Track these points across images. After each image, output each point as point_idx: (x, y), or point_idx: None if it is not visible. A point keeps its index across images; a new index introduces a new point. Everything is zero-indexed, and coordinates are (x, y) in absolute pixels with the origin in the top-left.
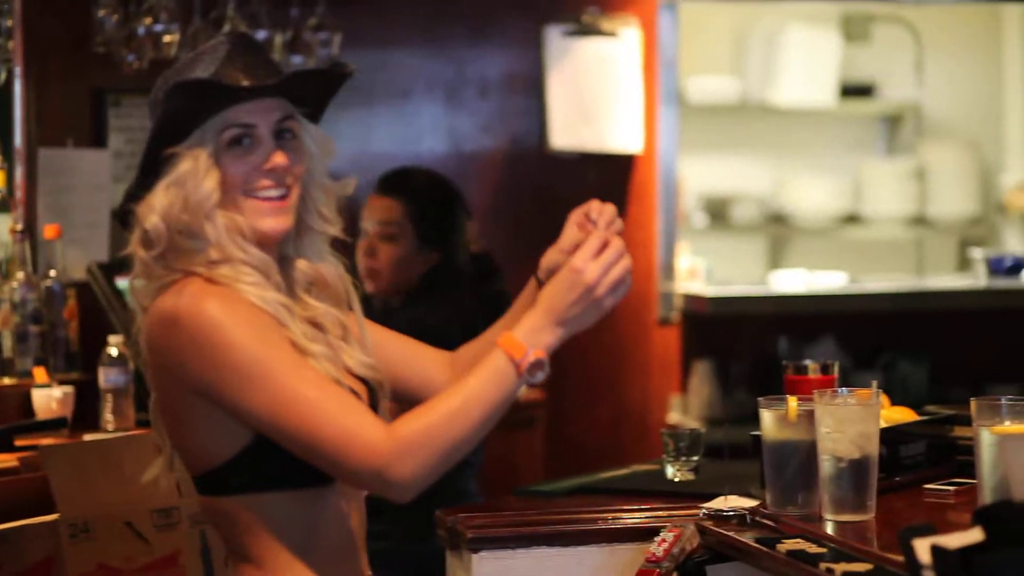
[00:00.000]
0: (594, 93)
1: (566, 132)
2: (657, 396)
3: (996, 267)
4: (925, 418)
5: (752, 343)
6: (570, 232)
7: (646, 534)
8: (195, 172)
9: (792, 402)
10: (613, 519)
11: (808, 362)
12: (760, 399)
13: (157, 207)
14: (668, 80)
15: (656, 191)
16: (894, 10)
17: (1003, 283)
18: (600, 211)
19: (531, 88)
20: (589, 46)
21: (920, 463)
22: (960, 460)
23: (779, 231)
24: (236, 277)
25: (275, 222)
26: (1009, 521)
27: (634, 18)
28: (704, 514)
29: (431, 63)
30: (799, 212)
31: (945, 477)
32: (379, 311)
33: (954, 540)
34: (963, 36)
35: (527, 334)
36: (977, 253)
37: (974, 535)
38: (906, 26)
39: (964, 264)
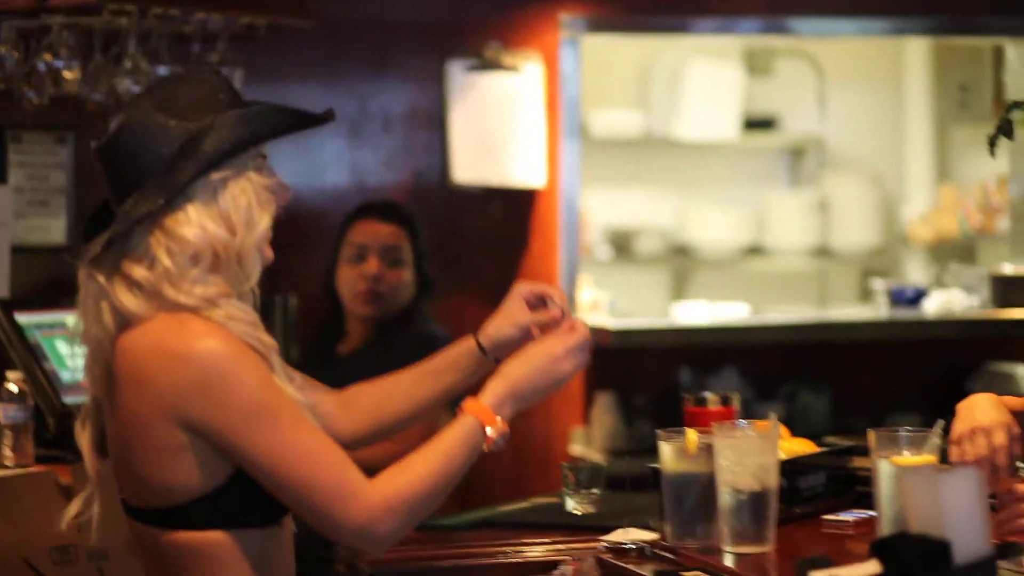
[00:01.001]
0: (496, 128)
1: (469, 166)
2: (559, 428)
3: (897, 298)
4: (824, 449)
5: (655, 375)
6: (517, 306)
7: (546, 567)
8: (254, 202)
9: (691, 435)
10: (514, 552)
11: (708, 394)
12: (659, 431)
13: (210, 228)
14: (570, 114)
15: (558, 225)
16: (796, 44)
17: (904, 314)
18: (562, 299)
19: (434, 123)
20: (491, 81)
21: (820, 494)
22: (860, 491)
23: (683, 263)
24: (234, 316)
25: (269, 256)
26: (905, 553)
27: (536, 53)
28: (604, 547)
29: (333, 98)
30: (703, 244)
31: (845, 508)
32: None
33: (850, 572)
34: (865, 69)
35: (496, 405)
36: (879, 284)
37: (871, 567)
38: (808, 60)
39: (866, 295)
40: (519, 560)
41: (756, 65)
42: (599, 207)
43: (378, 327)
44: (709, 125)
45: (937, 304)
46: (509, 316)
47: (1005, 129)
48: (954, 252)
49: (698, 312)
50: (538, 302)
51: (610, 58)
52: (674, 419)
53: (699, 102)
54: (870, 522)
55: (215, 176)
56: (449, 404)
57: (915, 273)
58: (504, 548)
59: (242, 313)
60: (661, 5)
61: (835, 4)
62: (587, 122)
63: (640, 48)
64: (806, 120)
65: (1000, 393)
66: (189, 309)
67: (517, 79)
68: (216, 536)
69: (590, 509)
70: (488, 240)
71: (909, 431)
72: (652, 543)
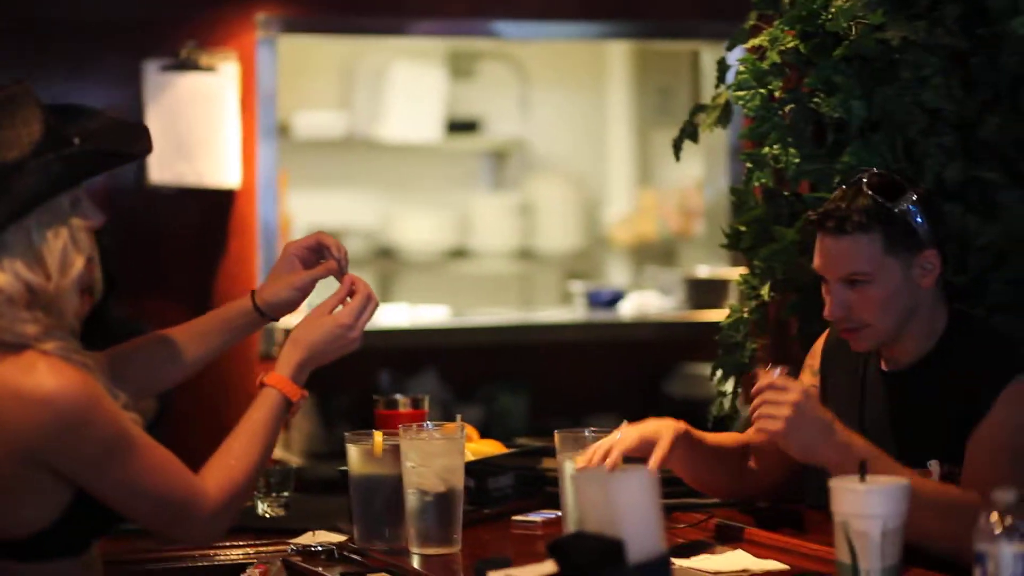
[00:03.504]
0: (192, 128)
1: (164, 167)
2: None
3: (595, 300)
4: (513, 450)
5: (355, 377)
6: (290, 266)
7: (236, 571)
8: (69, 245)
9: (378, 437)
10: (201, 556)
11: (399, 396)
12: (347, 434)
13: (23, 274)
14: (267, 115)
15: (256, 226)
16: (499, 47)
17: (602, 316)
18: (338, 248)
19: None
20: (187, 81)
21: (509, 495)
22: (549, 492)
23: (387, 265)
24: (66, 348)
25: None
26: (578, 553)
27: (233, 53)
28: (292, 550)
29: None
30: (407, 246)
31: (534, 509)
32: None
33: (527, 572)
34: (568, 73)
35: (295, 375)
36: (577, 287)
37: (547, 567)
38: (512, 63)
39: (568, 297)
40: (207, 564)
41: (460, 68)
42: (303, 208)
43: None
44: (412, 127)
45: (633, 306)
46: (283, 279)
47: (689, 132)
48: (654, 255)
49: (399, 314)
50: (312, 256)
51: (313, 58)
52: (372, 422)
53: (402, 104)
54: (558, 522)
55: (28, 221)
56: None
57: (616, 275)
58: (193, 552)
59: (71, 343)
60: (362, 6)
61: (538, 8)
62: (290, 123)
63: (344, 49)
64: (509, 123)
65: (694, 394)
66: (15, 346)
67: (213, 79)
68: (64, 565)
69: (280, 512)
70: (186, 241)
71: (594, 432)
72: (340, 545)
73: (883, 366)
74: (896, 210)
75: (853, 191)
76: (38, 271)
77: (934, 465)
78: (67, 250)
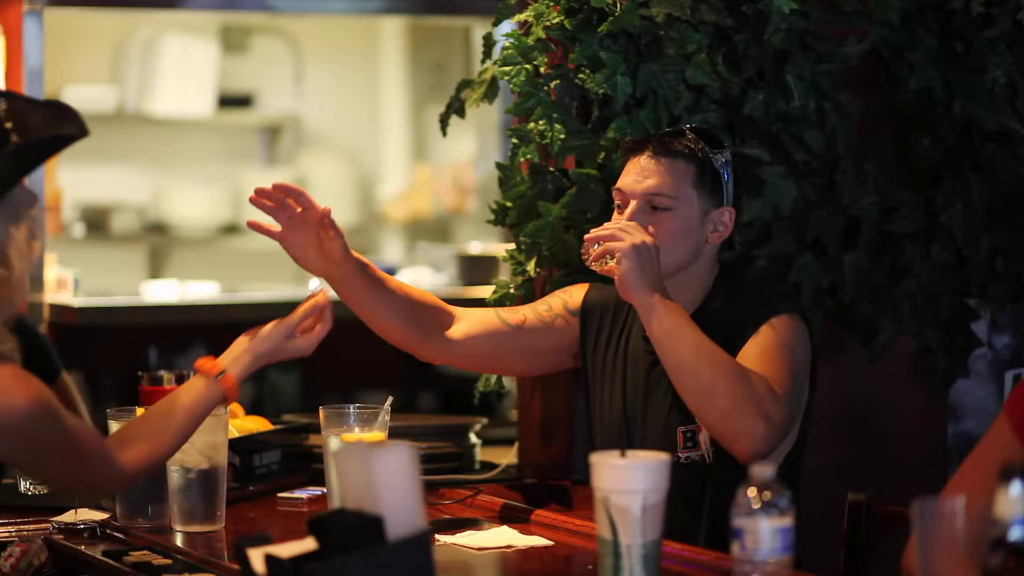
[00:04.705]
0: None
1: None
2: None
3: None
4: (279, 427)
5: (123, 354)
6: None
7: None
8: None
9: (139, 412)
10: None
11: (163, 373)
12: (109, 410)
13: None
14: (35, 89)
15: None
16: (272, 21)
17: None
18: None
19: None
20: None
21: (275, 472)
22: (316, 468)
23: (159, 241)
24: (14, 347)
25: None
26: (337, 529)
27: None
28: (54, 528)
29: None
30: (178, 222)
31: (301, 486)
32: None
33: (287, 550)
34: (341, 48)
35: (242, 374)
36: None
37: (308, 544)
38: (285, 37)
39: None
40: None
41: (231, 41)
42: (73, 183)
43: None
44: (183, 102)
45: (405, 281)
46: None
47: (456, 108)
48: (428, 231)
49: (167, 291)
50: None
51: (82, 32)
52: (139, 399)
53: (173, 78)
54: (324, 499)
55: None
56: None
57: (391, 252)
58: None
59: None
60: None
61: None
62: (59, 97)
63: (114, 22)
64: (282, 98)
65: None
66: None
67: None
68: None
69: (42, 489)
70: None
71: (359, 408)
72: (103, 523)
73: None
74: (712, 158)
75: (675, 131)
76: (4, 265)
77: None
78: (27, 239)
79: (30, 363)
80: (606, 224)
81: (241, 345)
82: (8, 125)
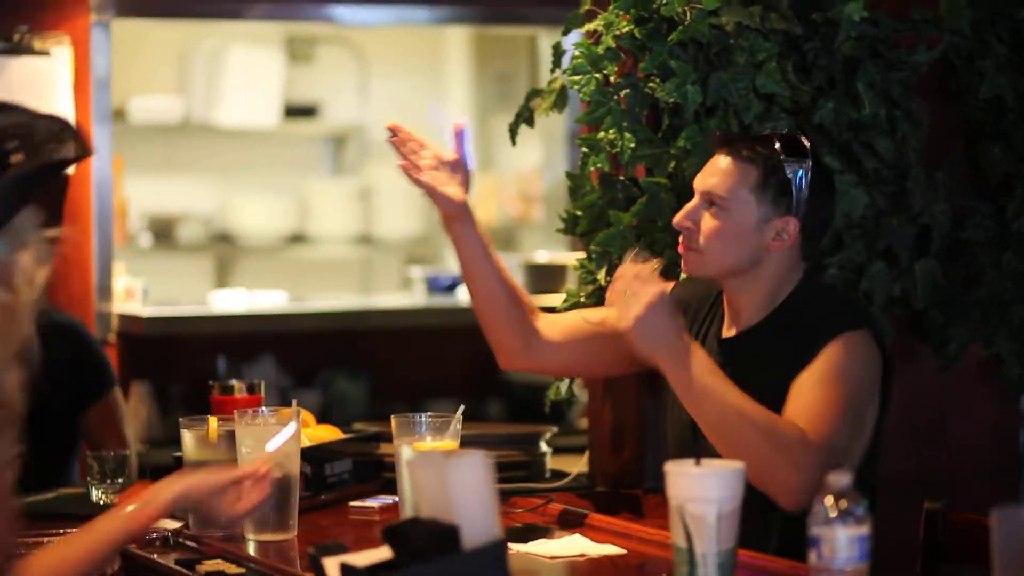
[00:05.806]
0: None
1: None
2: None
3: (434, 285)
4: (350, 436)
5: (191, 364)
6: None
7: None
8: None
9: (212, 422)
10: (35, 543)
11: (235, 382)
12: (181, 420)
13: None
14: (102, 99)
15: (91, 211)
16: (337, 31)
17: (441, 301)
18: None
19: None
20: (20, 65)
21: (346, 481)
22: (387, 477)
23: (225, 251)
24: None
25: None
26: (413, 538)
27: (66, 36)
28: None
29: None
30: (245, 232)
31: (372, 494)
32: None
33: (363, 559)
34: (406, 57)
35: (156, 508)
36: (416, 272)
37: (383, 553)
38: (350, 47)
39: (407, 283)
40: None
41: (297, 52)
42: (140, 194)
43: None
44: (249, 112)
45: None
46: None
47: (526, 117)
48: (494, 240)
49: (236, 300)
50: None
51: (148, 42)
52: (208, 408)
53: (239, 89)
54: (395, 508)
55: None
56: None
57: (454, 261)
58: (26, 539)
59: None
60: None
61: None
62: (126, 108)
63: (180, 33)
64: (348, 108)
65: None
66: None
67: (47, 63)
68: None
69: (115, 499)
70: None
71: (431, 417)
72: (176, 532)
73: (724, 331)
74: (786, 166)
75: (765, 134)
76: (8, 290)
77: None
78: (35, 265)
79: (78, 375)
80: (614, 282)
81: (168, 484)
82: (8, 145)
